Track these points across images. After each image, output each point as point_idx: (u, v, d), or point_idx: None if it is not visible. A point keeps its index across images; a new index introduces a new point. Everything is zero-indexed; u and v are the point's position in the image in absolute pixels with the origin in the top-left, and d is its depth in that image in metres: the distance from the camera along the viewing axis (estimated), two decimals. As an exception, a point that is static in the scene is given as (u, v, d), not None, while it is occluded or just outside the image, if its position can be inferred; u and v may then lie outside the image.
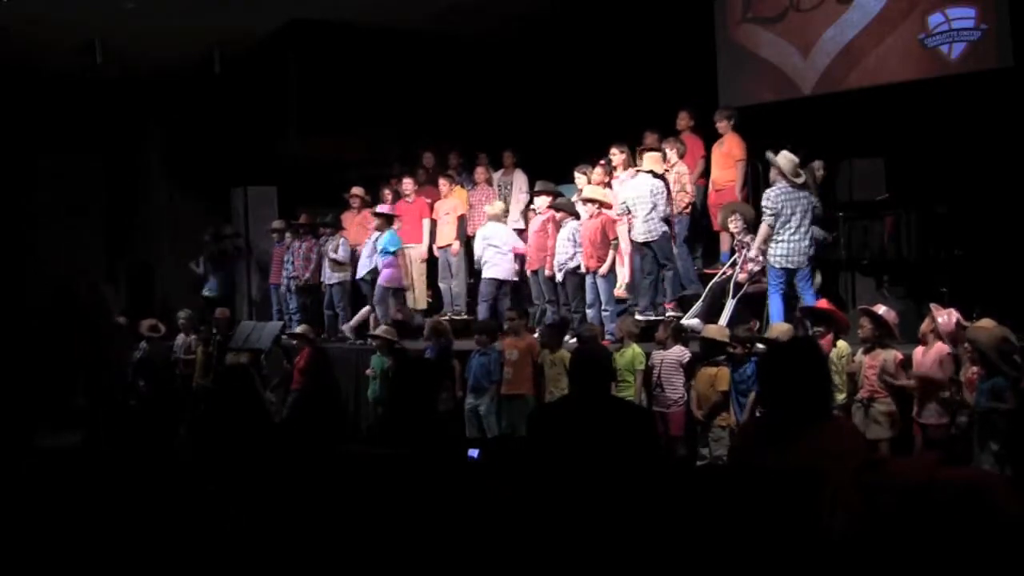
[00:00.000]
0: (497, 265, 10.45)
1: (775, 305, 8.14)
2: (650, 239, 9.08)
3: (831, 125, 10.01)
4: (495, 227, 10.59)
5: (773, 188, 8.18)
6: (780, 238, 8.08)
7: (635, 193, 9.14)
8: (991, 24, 9.24)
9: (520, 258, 10.58)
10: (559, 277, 9.69)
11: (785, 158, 8.20)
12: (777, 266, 8.09)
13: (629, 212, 9.19)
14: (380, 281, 10.81)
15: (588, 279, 9.47)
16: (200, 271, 13.32)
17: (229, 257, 13.21)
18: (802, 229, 8.03)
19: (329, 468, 4.33)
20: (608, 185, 9.88)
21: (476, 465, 4.51)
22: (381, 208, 11.24)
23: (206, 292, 13.12)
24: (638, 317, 8.94)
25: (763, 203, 8.20)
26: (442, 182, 11.66)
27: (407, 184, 11.71)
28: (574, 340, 8.78)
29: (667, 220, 9.13)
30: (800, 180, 8.16)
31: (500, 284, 10.49)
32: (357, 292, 11.38)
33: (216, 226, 13.42)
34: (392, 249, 10.85)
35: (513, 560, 3.50)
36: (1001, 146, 8.98)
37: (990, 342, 6.05)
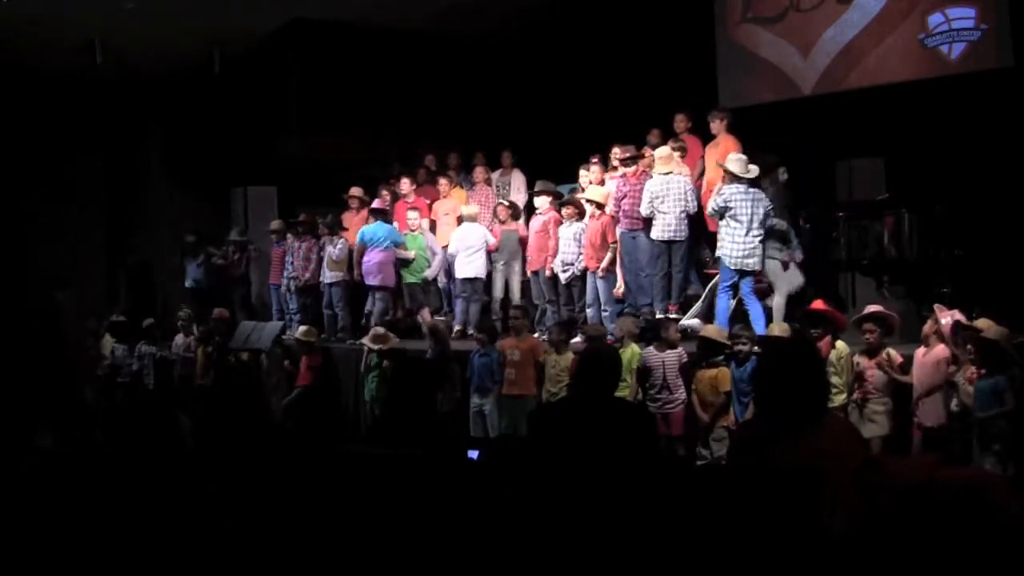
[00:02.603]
0: (469, 264, 10.63)
1: (722, 303, 8.34)
2: (676, 238, 9.11)
3: (831, 125, 10.01)
4: (469, 227, 10.70)
5: (729, 185, 8.35)
6: (733, 238, 8.23)
7: (666, 192, 9.15)
8: (991, 24, 9.24)
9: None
10: (564, 279, 9.65)
11: (732, 159, 8.42)
12: (730, 266, 8.26)
13: (652, 205, 9.18)
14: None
15: (589, 279, 9.47)
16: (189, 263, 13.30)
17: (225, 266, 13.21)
18: (754, 232, 8.18)
19: (329, 468, 4.33)
20: (602, 183, 9.91)
21: (476, 465, 4.51)
22: (377, 204, 11.36)
23: (189, 283, 13.16)
24: (659, 316, 8.99)
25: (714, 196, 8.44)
26: (442, 182, 11.67)
27: (404, 184, 11.72)
28: (578, 339, 8.79)
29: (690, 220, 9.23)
30: (750, 175, 8.32)
31: (472, 282, 10.65)
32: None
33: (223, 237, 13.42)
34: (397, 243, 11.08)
35: (513, 560, 3.50)
36: (1001, 146, 8.98)
37: (1001, 335, 6.07)
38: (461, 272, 10.65)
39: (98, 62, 12.38)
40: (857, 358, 7.01)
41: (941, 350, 6.59)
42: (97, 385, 11.99)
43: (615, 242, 9.37)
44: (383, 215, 11.15)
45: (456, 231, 10.83)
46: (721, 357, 7.62)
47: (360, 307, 11.54)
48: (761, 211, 8.24)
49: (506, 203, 10.92)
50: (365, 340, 9.95)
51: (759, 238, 8.23)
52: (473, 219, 10.75)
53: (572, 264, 9.57)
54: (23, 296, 13.47)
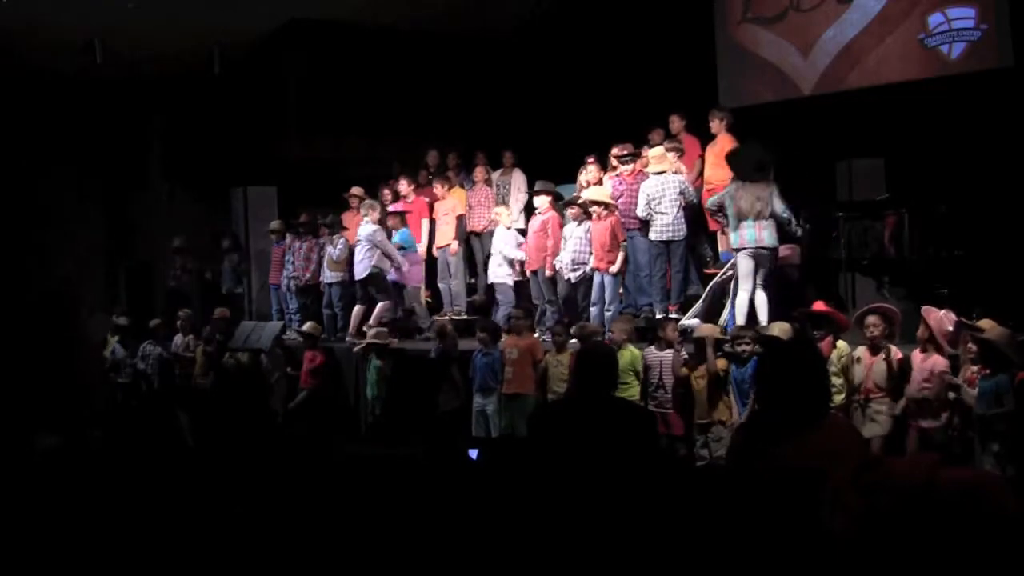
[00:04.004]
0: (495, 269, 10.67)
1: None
2: (675, 238, 9.11)
3: (831, 125, 10.01)
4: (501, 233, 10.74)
5: None
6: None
7: (662, 192, 9.12)
8: (991, 24, 9.25)
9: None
10: (574, 278, 9.55)
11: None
12: None
13: (649, 207, 9.16)
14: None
15: (596, 278, 9.43)
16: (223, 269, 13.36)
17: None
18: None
19: (332, 468, 4.33)
20: (600, 183, 9.91)
21: (477, 465, 4.51)
22: (394, 207, 11.35)
23: (235, 289, 13.19)
24: (659, 316, 8.96)
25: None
26: (436, 185, 11.66)
27: (403, 185, 11.72)
28: (574, 340, 8.78)
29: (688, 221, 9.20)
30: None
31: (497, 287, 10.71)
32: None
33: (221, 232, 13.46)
34: (406, 247, 11.06)
35: (513, 560, 3.50)
36: (1001, 146, 8.97)
37: (1002, 337, 6.06)
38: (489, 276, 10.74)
39: (98, 62, 12.39)
40: (857, 353, 6.98)
41: (935, 361, 6.54)
42: (101, 384, 11.98)
43: (625, 240, 9.35)
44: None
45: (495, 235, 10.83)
46: (719, 353, 7.60)
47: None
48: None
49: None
50: (368, 338, 9.97)
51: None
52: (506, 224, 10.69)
53: (584, 264, 9.50)
54: (28, 294, 13.45)
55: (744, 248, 8.30)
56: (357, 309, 11.05)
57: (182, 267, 13.23)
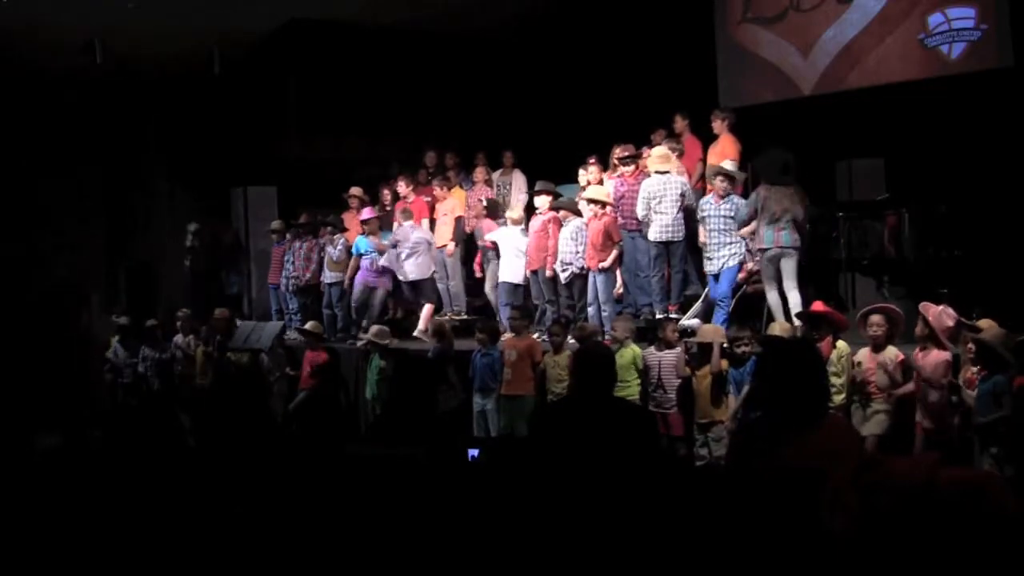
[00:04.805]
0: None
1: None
2: (675, 239, 9.09)
3: (831, 125, 10.01)
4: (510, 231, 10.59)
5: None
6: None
7: (663, 192, 9.13)
8: (991, 24, 9.25)
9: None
10: (563, 278, 9.59)
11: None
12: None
13: (649, 208, 9.15)
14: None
15: (590, 278, 9.44)
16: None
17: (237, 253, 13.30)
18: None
19: (333, 468, 4.33)
20: (601, 183, 9.90)
21: (477, 465, 4.51)
22: (366, 214, 11.39)
23: (236, 290, 13.18)
24: (659, 316, 8.96)
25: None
26: (435, 186, 11.65)
27: (401, 186, 11.71)
28: (573, 341, 8.78)
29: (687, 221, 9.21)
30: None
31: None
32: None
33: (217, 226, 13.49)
34: (362, 251, 11.16)
35: (513, 560, 3.50)
36: (1001, 146, 8.98)
37: (997, 338, 6.05)
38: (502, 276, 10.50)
39: (98, 62, 12.39)
40: (859, 356, 6.97)
41: (937, 355, 6.54)
42: (101, 384, 11.98)
43: (620, 240, 9.35)
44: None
45: (498, 233, 10.65)
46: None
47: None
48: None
49: (483, 200, 11.06)
50: (369, 336, 9.97)
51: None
52: (518, 222, 10.49)
53: (571, 264, 9.52)
54: (28, 294, 13.45)
55: (763, 249, 8.32)
56: (428, 308, 10.98)
57: (196, 250, 13.25)
